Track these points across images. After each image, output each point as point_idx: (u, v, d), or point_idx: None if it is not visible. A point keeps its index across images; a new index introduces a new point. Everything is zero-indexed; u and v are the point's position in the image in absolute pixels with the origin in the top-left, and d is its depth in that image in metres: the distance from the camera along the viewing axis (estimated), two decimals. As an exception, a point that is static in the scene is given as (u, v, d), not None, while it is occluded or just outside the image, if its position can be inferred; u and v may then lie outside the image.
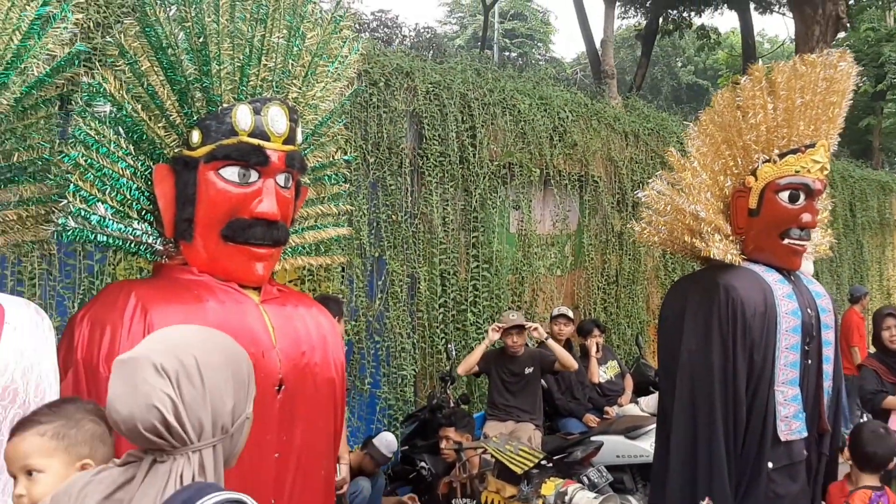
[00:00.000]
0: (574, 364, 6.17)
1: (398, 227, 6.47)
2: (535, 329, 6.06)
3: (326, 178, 2.77)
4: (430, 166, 6.71)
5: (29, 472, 1.62)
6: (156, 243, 2.35)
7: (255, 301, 2.36)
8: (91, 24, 4.23)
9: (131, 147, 2.29)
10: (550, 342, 6.12)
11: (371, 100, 6.17)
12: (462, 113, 7.05)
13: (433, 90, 6.79)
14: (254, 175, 2.28)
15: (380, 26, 8.68)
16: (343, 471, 4.63)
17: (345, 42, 2.60)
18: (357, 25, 8.46)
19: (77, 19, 2.18)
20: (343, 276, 6.03)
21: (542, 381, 6.31)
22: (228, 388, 1.49)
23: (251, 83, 2.30)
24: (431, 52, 9.10)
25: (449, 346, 6.35)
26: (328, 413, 2.49)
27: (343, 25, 2.54)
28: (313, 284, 5.75)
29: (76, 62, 2.22)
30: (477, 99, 7.21)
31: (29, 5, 1.99)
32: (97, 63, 2.45)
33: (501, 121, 7.46)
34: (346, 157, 2.82)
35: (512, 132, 7.57)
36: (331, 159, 2.78)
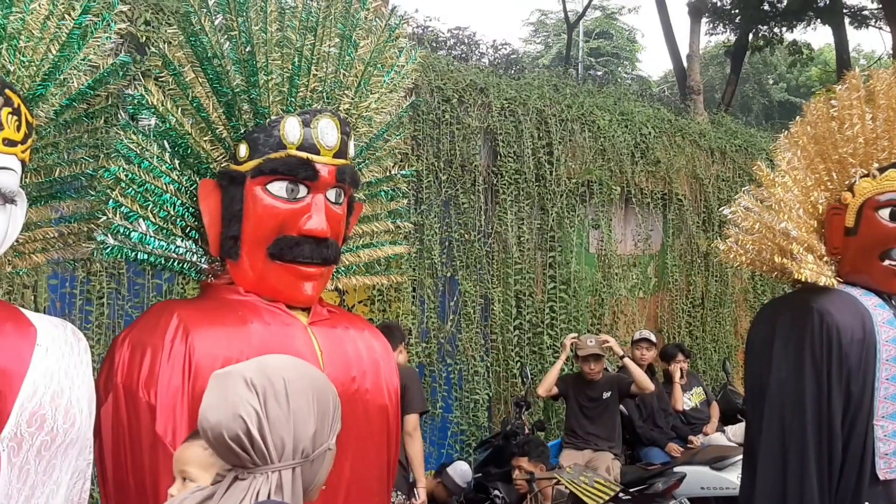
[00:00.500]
0: (650, 385, 5.92)
1: (471, 247, 6.36)
2: (609, 343, 5.83)
3: (383, 193, 2.63)
4: (505, 184, 6.59)
5: (185, 478, 1.69)
6: (201, 262, 2.25)
7: (304, 323, 2.23)
8: (161, 42, 4.23)
9: (176, 161, 2.19)
10: (627, 361, 5.90)
11: (444, 116, 6.09)
12: (538, 129, 6.92)
13: (508, 106, 6.68)
14: (302, 190, 2.15)
15: (457, 43, 8.60)
16: (421, 495, 4.60)
17: (401, 51, 2.47)
18: (434, 42, 8.43)
19: (120, 29, 2.10)
20: (414, 297, 5.93)
21: (623, 408, 6.10)
22: (312, 414, 1.52)
23: (300, 94, 2.18)
24: (511, 68, 8.99)
25: (524, 369, 6.18)
26: (380, 443, 2.34)
27: (398, 33, 2.41)
28: (383, 305, 5.67)
29: (120, 74, 2.14)
30: (554, 115, 7.06)
31: (68, 14, 1.92)
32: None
33: (580, 137, 7.29)
34: (403, 172, 2.68)
35: (591, 149, 7.40)
36: (388, 174, 2.64)
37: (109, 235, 2.08)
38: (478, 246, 6.44)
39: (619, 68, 33.21)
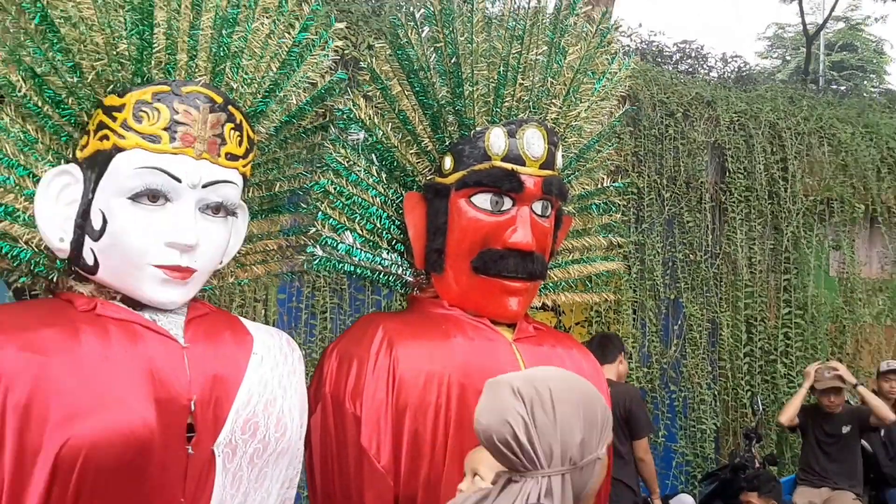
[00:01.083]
0: (890, 415, 5.35)
1: (697, 268, 6.10)
2: (838, 371, 5.33)
3: (594, 206, 2.52)
4: (734, 202, 6.27)
5: (474, 475, 1.80)
6: (406, 274, 2.24)
7: (508, 339, 2.16)
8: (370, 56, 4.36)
9: (382, 174, 2.21)
10: (861, 389, 5.39)
11: (667, 131, 5.88)
12: (771, 143, 6.52)
13: (738, 119, 6.35)
14: (507, 202, 2.09)
15: (683, 58, 8.27)
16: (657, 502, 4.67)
17: (614, 57, 2.35)
18: (659, 57, 8.19)
19: (343, 51, 2.14)
20: (635, 319, 5.74)
21: (867, 444, 5.57)
22: (578, 423, 1.55)
23: (506, 104, 2.12)
24: (742, 82, 8.55)
25: (755, 399, 5.81)
26: (589, 469, 2.22)
27: (610, 38, 2.29)
28: (601, 326, 5.52)
29: (337, 91, 2.18)
30: (789, 128, 6.62)
31: (288, 33, 1.97)
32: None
33: (818, 151, 6.79)
34: (617, 184, 2.55)
35: (831, 164, 6.87)
36: (600, 186, 2.53)
37: (318, 247, 2.12)
38: (704, 267, 6.16)
39: (865, 82, 30.75)
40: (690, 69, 8.39)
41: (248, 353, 1.85)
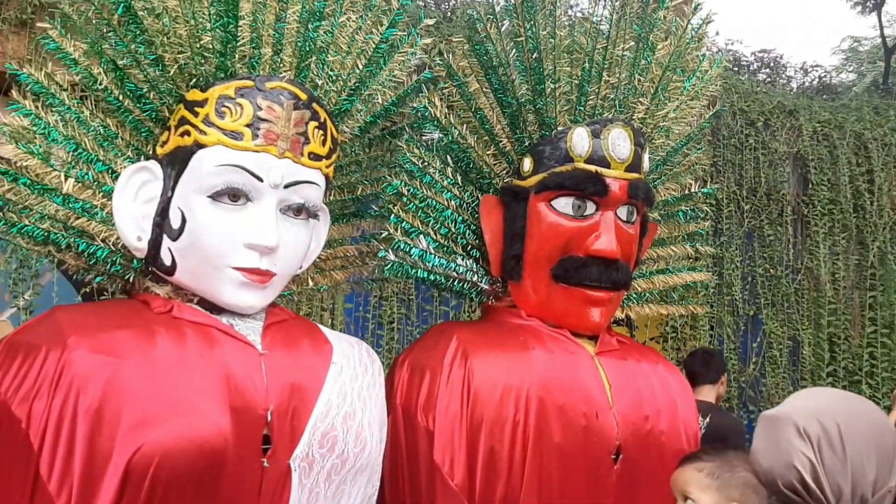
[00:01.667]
0: None
1: (777, 283, 5.91)
2: None
3: (681, 213, 2.39)
4: (817, 215, 6.07)
5: (685, 498, 1.78)
6: (481, 282, 2.15)
7: (590, 352, 2.05)
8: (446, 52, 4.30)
9: (458, 176, 2.13)
10: None
11: (747, 141, 5.74)
12: (857, 155, 6.31)
13: (821, 130, 6.16)
14: (590, 207, 1.98)
15: (761, 67, 8.05)
16: None
17: (704, 55, 2.23)
18: (736, 66, 8.01)
19: (425, 44, 2.07)
20: (711, 335, 5.57)
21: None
22: (871, 459, 1.50)
23: (590, 102, 2.02)
24: (823, 92, 8.29)
25: (839, 421, 5.55)
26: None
27: (702, 33, 2.18)
28: (677, 342, 5.36)
29: (424, 91, 2.11)
30: (875, 139, 6.39)
31: (375, 29, 1.90)
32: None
33: (906, 164, 6.54)
34: (705, 190, 2.42)
35: (921, 177, 6.60)
36: (687, 192, 2.40)
37: (391, 251, 2.05)
38: (785, 282, 5.98)
39: (948, 96, 29.63)
40: (769, 79, 8.15)
41: (328, 363, 1.77)
